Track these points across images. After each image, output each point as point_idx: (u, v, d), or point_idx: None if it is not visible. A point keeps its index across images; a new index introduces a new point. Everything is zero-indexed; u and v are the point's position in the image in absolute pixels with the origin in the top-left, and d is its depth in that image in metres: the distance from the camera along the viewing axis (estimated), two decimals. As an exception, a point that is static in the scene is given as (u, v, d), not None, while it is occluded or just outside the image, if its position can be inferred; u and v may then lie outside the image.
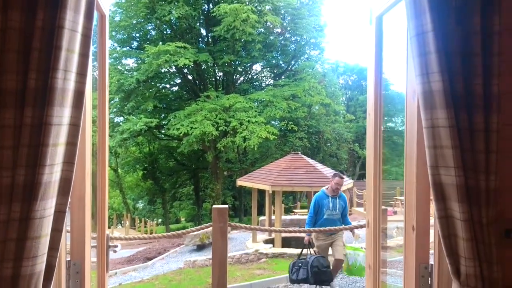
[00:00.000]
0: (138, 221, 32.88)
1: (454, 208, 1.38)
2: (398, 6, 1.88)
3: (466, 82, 1.36)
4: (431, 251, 1.63)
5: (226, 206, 3.10)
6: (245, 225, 3.71)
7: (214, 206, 2.92)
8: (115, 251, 1.90)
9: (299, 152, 16.69)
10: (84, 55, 1.36)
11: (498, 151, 1.38)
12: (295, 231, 3.67)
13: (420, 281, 1.63)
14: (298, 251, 12.80)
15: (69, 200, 1.36)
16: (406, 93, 1.75)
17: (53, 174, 1.27)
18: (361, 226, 2.84)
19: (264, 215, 17.43)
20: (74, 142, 1.34)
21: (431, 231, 1.63)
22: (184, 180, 38.78)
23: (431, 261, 1.64)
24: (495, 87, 1.38)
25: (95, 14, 1.86)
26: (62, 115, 1.28)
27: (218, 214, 3.00)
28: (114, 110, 33.45)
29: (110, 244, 1.88)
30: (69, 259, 1.51)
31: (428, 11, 1.36)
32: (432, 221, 1.60)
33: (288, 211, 28.44)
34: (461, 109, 1.36)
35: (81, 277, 1.49)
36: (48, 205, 1.26)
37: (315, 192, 18.22)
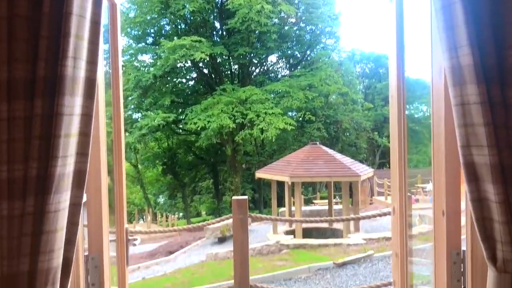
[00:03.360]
0: (159, 216, 33.23)
1: (488, 189, 1.30)
2: (419, -20, 1.79)
3: (498, 54, 1.27)
4: (463, 236, 1.56)
5: (246, 197, 3.04)
6: (265, 215, 3.65)
7: (233, 197, 2.87)
8: (134, 245, 1.86)
9: (318, 143, 16.57)
10: (93, 43, 1.31)
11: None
12: (316, 221, 3.61)
13: (452, 268, 1.55)
14: (319, 241, 12.80)
15: (85, 193, 1.32)
16: (432, 71, 1.66)
17: (66, 166, 1.23)
18: (384, 214, 2.76)
19: (284, 207, 17.40)
20: (87, 133, 1.29)
21: (463, 216, 1.55)
22: (203, 174, 38.96)
23: (463, 247, 1.56)
24: (530, 58, 1.29)
25: (106, 2, 1.82)
26: (74, 104, 1.23)
27: (237, 205, 2.95)
28: (132, 106, 33.74)
29: (130, 237, 1.84)
30: (87, 253, 1.48)
31: (454, -19, 1.28)
32: (463, 205, 1.52)
33: (308, 202, 28.36)
34: (493, 83, 1.27)
35: (100, 272, 1.46)
36: (62, 198, 1.22)
37: (335, 183, 18.10)
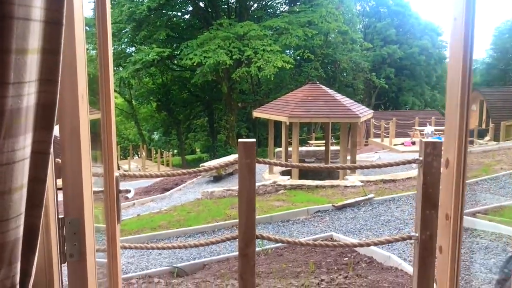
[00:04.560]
0: (154, 152, 33.16)
1: None
2: None
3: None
4: None
5: (253, 140, 2.67)
6: (274, 161, 3.30)
7: (240, 140, 2.50)
8: (127, 198, 1.51)
9: (317, 82, 16.06)
10: None
11: None
12: (332, 168, 3.30)
13: None
14: (316, 183, 12.66)
15: (53, 135, 0.93)
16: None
17: (23, 97, 0.83)
18: (409, 162, 2.41)
19: (280, 147, 17.18)
20: (54, 49, 0.89)
21: None
22: (198, 112, 38.58)
23: None
24: None
25: None
26: (31, 4, 0.82)
27: (244, 149, 2.57)
28: (126, 40, 32.74)
29: (121, 189, 1.47)
30: (62, 216, 1.11)
31: None
32: None
33: (302, 142, 28.21)
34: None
35: (80, 238, 1.10)
36: (20, 145, 0.84)
37: (333, 124, 17.77)
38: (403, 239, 2.84)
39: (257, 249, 6.45)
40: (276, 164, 2.89)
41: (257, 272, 5.62)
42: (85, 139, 1.14)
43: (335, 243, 4.15)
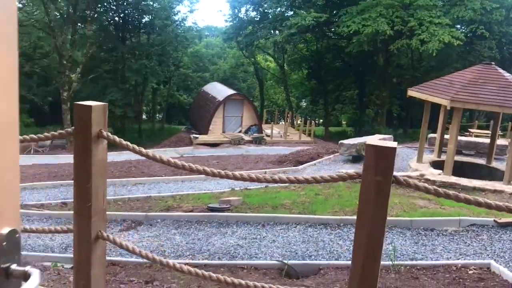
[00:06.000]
0: (299, 120, 32.64)
1: None
2: None
3: None
4: None
5: (394, 145, 1.44)
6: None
7: (369, 143, 1.29)
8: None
9: (493, 63, 13.46)
10: None
11: None
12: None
13: None
14: (475, 183, 10.61)
15: None
16: None
17: None
18: None
19: (435, 133, 15.04)
20: None
21: None
22: (349, 83, 36.88)
23: None
24: None
25: None
26: None
27: (375, 155, 1.38)
28: (286, 2, 32.20)
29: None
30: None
31: None
32: None
33: (461, 129, 24.99)
34: None
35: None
36: None
37: (504, 114, 14.96)
38: None
39: (386, 262, 5.18)
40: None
41: (381, 299, 4.42)
42: None
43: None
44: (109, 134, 2.07)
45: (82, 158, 2.08)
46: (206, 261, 5.80)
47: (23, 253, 1.04)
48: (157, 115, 40.09)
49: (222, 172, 1.90)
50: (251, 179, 1.89)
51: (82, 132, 2.05)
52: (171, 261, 2.17)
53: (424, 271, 5.14)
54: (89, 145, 2.05)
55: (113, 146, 2.22)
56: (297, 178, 1.83)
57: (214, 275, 2.02)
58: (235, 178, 1.87)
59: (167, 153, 18.43)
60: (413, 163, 12.95)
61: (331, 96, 37.31)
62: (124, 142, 2.09)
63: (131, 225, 7.64)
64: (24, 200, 9.91)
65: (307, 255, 5.94)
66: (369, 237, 1.69)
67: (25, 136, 2.24)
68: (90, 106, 2.03)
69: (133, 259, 5.68)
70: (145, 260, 5.65)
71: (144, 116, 38.19)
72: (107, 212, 6.92)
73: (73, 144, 2.11)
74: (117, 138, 2.08)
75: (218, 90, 28.72)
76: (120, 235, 7.15)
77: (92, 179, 2.10)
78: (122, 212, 8.40)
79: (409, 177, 10.48)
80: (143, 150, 2.07)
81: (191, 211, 8.29)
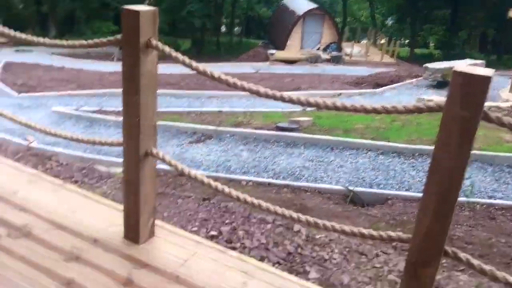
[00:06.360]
0: (383, 39, 30.82)
1: None
2: None
3: None
4: None
5: (490, 73, 1.04)
6: None
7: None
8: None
9: None
10: None
11: None
12: None
13: None
14: None
15: None
16: None
17: None
18: None
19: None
20: None
21: None
22: (441, 1, 33.74)
23: None
24: None
25: None
26: None
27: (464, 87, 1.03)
28: None
29: None
30: None
31: None
32: None
33: None
34: None
35: None
36: None
37: None
38: None
39: (461, 198, 4.83)
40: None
41: (449, 237, 4.15)
42: None
43: None
44: (159, 43, 1.89)
45: (130, 68, 1.92)
46: (270, 180, 5.75)
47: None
48: (236, 28, 39.56)
49: (277, 94, 1.66)
50: (309, 104, 1.64)
51: (130, 40, 1.87)
52: (220, 184, 2.03)
53: (503, 211, 4.75)
54: (138, 55, 1.88)
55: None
56: (355, 106, 1.55)
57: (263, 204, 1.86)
58: (290, 101, 1.63)
59: (243, 68, 18.30)
60: (504, 93, 11.87)
61: (420, 15, 34.55)
62: (174, 54, 1.89)
63: (200, 138, 7.73)
64: (103, 106, 10.33)
65: (375, 183, 5.71)
66: (444, 183, 1.41)
67: (74, 41, 2.11)
68: (138, 12, 1.83)
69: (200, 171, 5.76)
70: (210, 174, 5.69)
71: (223, 29, 37.85)
72: (178, 124, 6.94)
73: (122, 53, 1.96)
74: (167, 49, 1.89)
75: (298, 4, 27.53)
76: (189, 147, 7.27)
77: (140, 91, 1.96)
78: (194, 124, 8.51)
79: (499, 107, 9.65)
80: (193, 63, 1.87)
81: (261, 128, 8.22)
